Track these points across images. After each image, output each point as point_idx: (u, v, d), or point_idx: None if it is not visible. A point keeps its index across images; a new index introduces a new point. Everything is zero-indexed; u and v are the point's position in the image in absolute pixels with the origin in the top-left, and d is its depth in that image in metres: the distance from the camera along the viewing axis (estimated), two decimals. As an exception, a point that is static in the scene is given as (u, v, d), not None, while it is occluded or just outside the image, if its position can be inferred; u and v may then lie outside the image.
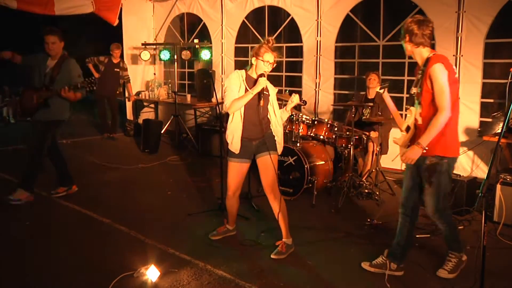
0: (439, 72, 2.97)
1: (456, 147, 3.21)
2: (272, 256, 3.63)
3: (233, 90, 3.53)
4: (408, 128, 3.32)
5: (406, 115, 3.54)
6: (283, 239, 3.73)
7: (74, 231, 4.21)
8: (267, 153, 3.64)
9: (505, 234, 4.07)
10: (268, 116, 3.65)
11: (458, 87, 3.12)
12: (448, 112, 2.96)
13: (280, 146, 3.72)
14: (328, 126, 5.34)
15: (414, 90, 3.20)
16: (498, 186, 4.24)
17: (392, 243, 3.47)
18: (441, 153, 3.08)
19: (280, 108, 3.76)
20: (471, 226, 4.34)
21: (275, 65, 3.58)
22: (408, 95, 3.29)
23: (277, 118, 3.68)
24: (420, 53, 3.16)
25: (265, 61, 3.49)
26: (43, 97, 4.71)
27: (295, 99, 3.68)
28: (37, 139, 4.85)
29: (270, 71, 3.58)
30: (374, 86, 5.57)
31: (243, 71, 3.63)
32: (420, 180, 3.24)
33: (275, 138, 3.68)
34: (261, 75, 3.50)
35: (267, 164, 3.64)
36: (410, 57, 5.93)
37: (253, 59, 3.53)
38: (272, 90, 3.70)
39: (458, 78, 3.10)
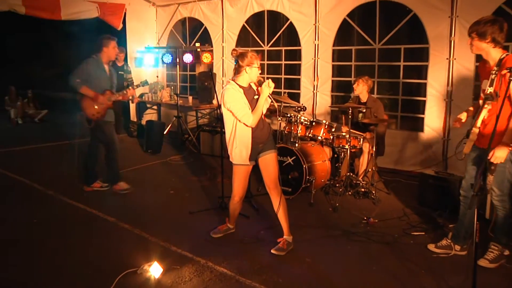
0: None
1: None
2: (272, 251, 3.65)
3: (243, 104, 3.50)
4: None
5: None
6: (284, 236, 3.75)
7: (80, 229, 4.21)
8: (268, 152, 3.69)
9: (496, 231, 4.08)
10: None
11: None
12: None
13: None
14: (326, 127, 5.35)
15: (489, 89, 3.23)
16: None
17: (455, 226, 3.67)
18: (504, 145, 3.17)
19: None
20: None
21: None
22: (483, 95, 3.34)
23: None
24: (494, 53, 3.21)
25: (258, 67, 3.53)
26: (112, 100, 5.02)
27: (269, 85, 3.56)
28: (113, 138, 5.25)
29: (270, 74, 3.62)
30: (360, 91, 5.57)
31: (233, 83, 3.57)
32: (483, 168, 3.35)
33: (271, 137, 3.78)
34: (260, 83, 3.52)
35: (269, 163, 3.69)
36: (405, 60, 6.04)
37: (247, 68, 3.50)
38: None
39: None
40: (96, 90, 4.93)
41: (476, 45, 3.25)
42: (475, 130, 3.35)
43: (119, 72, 8.23)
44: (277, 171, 3.73)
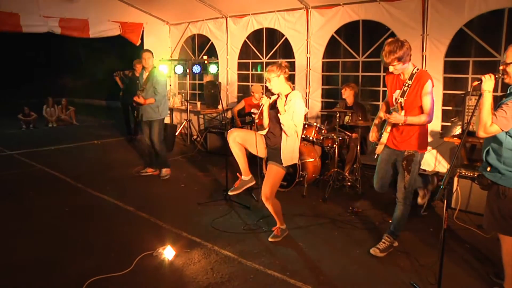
0: (430, 87, 3.11)
1: (426, 145, 3.31)
2: (269, 239, 3.65)
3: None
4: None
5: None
6: (277, 225, 3.74)
7: (104, 216, 4.24)
8: (271, 162, 3.49)
9: (460, 217, 4.12)
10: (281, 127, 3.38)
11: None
12: (431, 117, 3.13)
13: (283, 156, 3.42)
14: (317, 129, 5.36)
15: (401, 99, 3.18)
16: (456, 179, 4.28)
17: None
18: (417, 148, 3.23)
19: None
20: (434, 212, 4.36)
21: (269, 79, 3.51)
22: (383, 102, 3.39)
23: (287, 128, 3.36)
24: (407, 68, 3.16)
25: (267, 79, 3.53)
26: (135, 101, 5.55)
27: (263, 101, 3.48)
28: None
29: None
30: (347, 96, 5.58)
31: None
32: (394, 170, 3.39)
33: (280, 150, 3.43)
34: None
35: (268, 171, 3.51)
36: (384, 71, 6.04)
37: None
38: (281, 102, 3.43)
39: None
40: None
41: (400, 68, 3.13)
42: (385, 134, 3.32)
43: (137, 82, 8.23)
44: (270, 182, 3.43)
